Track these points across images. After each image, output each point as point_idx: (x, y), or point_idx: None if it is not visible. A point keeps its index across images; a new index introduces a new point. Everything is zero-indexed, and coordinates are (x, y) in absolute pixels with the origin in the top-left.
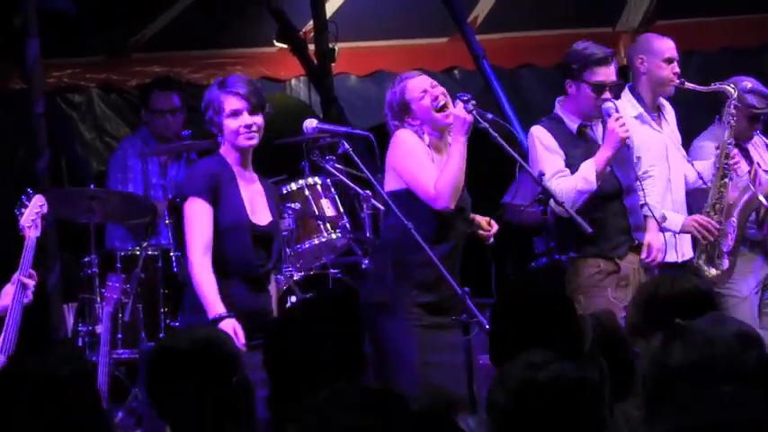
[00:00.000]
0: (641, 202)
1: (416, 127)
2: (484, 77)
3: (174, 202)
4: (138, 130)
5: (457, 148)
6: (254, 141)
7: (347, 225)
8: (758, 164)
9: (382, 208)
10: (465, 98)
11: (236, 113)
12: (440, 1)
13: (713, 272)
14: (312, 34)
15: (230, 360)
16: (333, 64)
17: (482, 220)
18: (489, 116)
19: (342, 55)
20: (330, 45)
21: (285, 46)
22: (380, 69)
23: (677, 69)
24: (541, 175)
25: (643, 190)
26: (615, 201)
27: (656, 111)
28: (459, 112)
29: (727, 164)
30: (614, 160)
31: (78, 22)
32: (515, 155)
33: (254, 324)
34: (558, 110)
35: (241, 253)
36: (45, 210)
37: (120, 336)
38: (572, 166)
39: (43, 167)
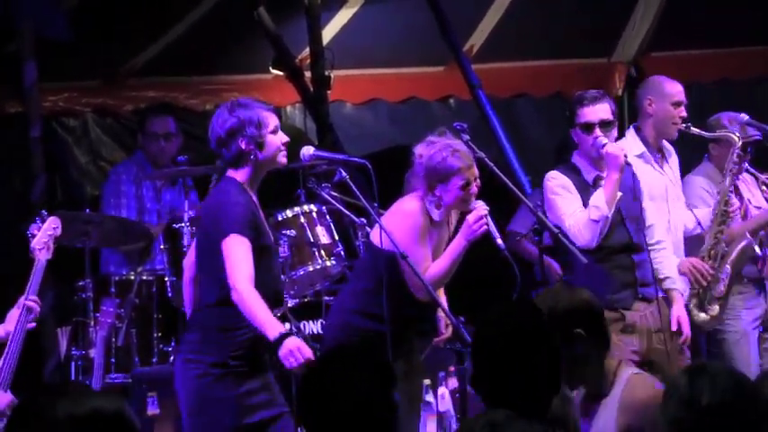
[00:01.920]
0: (662, 275)
1: (435, 199)
2: (479, 107)
3: (169, 227)
4: (133, 155)
5: (457, 249)
6: (286, 160)
7: (342, 252)
8: (748, 200)
9: None
10: (460, 127)
11: (276, 130)
12: (436, 30)
13: (702, 316)
14: (308, 61)
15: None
16: (329, 91)
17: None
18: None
19: (337, 82)
20: (326, 72)
21: (281, 73)
22: (376, 97)
23: (684, 113)
24: (537, 205)
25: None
26: (623, 254)
27: (659, 152)
28: (474, 214)
29: (725, 211)
30: (627, 216)
31: (74, 47)
32: (510, 184)
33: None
34: (574, 159)
35: (273, 278)
36: (59, 232)
37: (113, 360)
38: None
39: (39, 191)
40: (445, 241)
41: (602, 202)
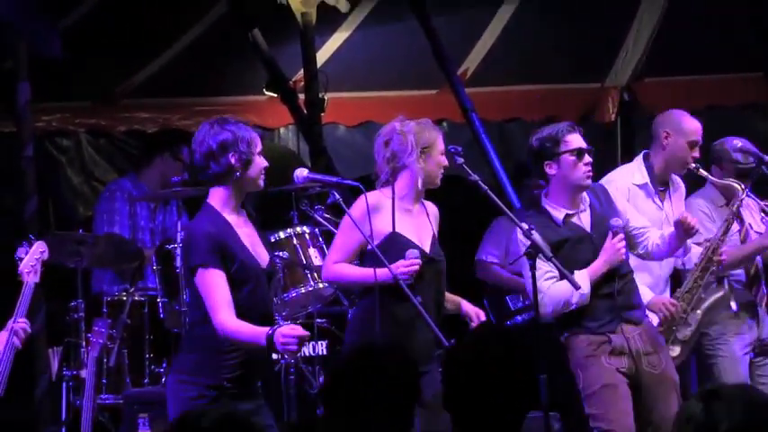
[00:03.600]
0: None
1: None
2: (472, 130)
3: (162, 249)
4: (127, 174)
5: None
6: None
7: None
8: (749, 225)
9: None
10: (454, 150)
11: (261, 152)
12: (430, 53)
13: None
14: (302, 83)
15: None
16: (322, 114)
17: (471, 311)
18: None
19: (331, 105)
20: (320, 95)
21: (275, 95)
22: (369, 120)
23: (697, 155)
24: (531, 229)
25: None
26: (604, 285)
27: (663, 185)
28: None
29: (711, 258)
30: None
31: (68, 67)
32: (504, 208)
33: (264, 364)
34: (545, 203)
35: (259, 299)
36: (46, 256)
37: (104, 381)
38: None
39: (31, 211)
40: (423, 227)
41: (587, 286)
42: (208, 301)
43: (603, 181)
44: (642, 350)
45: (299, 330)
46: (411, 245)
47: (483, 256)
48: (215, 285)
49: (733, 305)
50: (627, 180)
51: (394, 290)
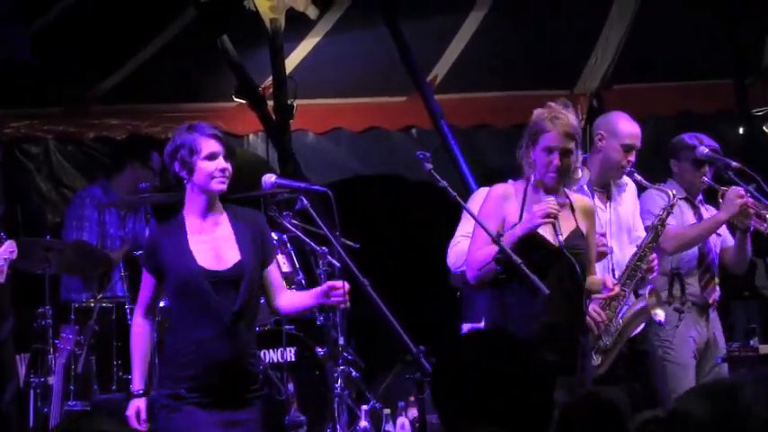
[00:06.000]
0: None
1: (532, 163)
2: (441, 136)
3: (130, 255)
4: (97, 181)
5: (511, 237)
6: (225, 187)
7: (303, 281)
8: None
9: (338, 265)
10: (423, 156)
11: (213, 156)
12: (399, 60)
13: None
14: (271, 90)
15: None
16: (291, 120)
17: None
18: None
19: (300, 112)
20: (288, 101)
21: (244, 101)
22: (338, 127)
23: (632, 159)
24: (499, 235)
25: None
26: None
27: (603, 188)
28: (536, 208)
29: (638, 266)
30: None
31: (37, 73)
32: (473, 214)
33: (227, 373)
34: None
35: (202, 302)
36: (14, 256)
37: (72, 387)
38: None
39: None
40: (563, 219)
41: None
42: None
43: None
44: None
45: (137, 423)
46: (537, 235)
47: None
48: (142, 286)
49: (660, 316)
50: None
51: (521, 281)
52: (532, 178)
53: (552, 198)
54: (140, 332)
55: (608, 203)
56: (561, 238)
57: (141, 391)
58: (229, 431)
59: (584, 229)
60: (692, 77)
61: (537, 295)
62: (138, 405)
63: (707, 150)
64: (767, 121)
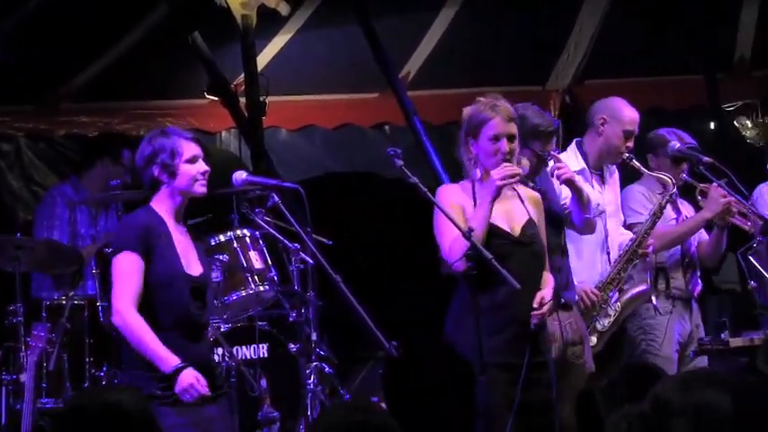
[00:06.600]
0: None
1: (473, 158)
2: (414, 133)
3: (102, 252)
4: (68, 179)
5: (480, 210)
6: (206, 190)
7: (275, 278)
8: (686, 216)
9: (311, 261)
10: (394, 153)
11: (194, 159)
12: (371, 56)
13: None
14: (243, 87)
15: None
16: (263, 117)
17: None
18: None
19: (272, 108)
20: (261, 98)
21: (216, 98)
22: (311, 124)
23: (631, 145)
24: (470, 230)
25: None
26: (556, 256)
27: (597, 170)
28: (494, 173)
29: (636, 250)
30: (557, 218)
31: (7, 70)
32: (444, 210)
33: (200, 373)
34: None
35: (180, 305)
36: None
37: (44, 385)
38: None
39: None
40: (515, 211)
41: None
42: (116, 287)
43: None
44: (570, 340)
45: (203, 388)
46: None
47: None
48: (127, 272)
49: (654, 300)
50: None
51: (487, 276)
52: (478, 174)
53: (506, 163)
54: (142, 321)
55: (603, 186)
56: (518, 228)
57: (182, 364)
58: (202, 428)
59: (535, 219)
60: (663, 73)
61: (505, 287)
62: (192, 374)
63: (678, 145)
64: (738, 117)
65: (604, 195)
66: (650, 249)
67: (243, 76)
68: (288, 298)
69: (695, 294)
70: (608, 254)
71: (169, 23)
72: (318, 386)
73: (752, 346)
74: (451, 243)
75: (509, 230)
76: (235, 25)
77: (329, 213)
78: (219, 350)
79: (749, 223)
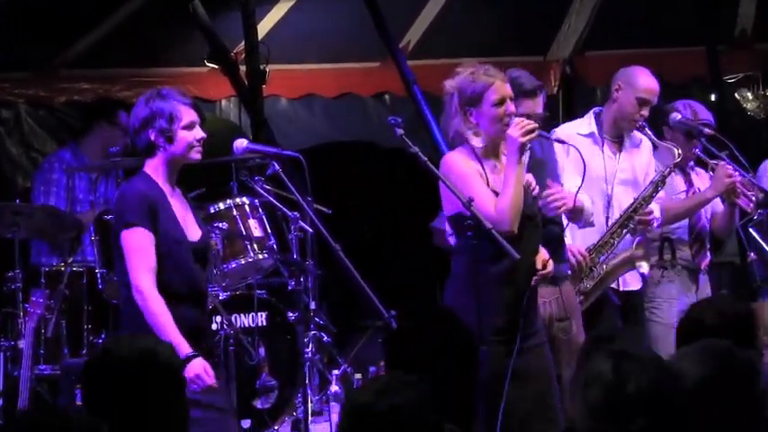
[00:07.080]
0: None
1: (473, 128)
2: (415, 103)
3: (101, 219)
4: (66, 146)
5: (511, 170)
6: (201, 156)
7: (274, 246)
8: (698, 188)
9: (310, 230)
10: (394, 122)
11: (192, 125)
12: (372, 25)
13: None
14: (243, 55)
15: (172, 375)
16: (264, 86)
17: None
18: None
19: (273, 77)
20: (261, 67)
21: (216, 66)
22: (311, 93)
23: (645, 113)
24: (471, 200)
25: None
26: (553, 225)
27: (616, 138)
28: (512, 131)
29: (631, 215)
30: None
31: (7, 37)
32: (445, 180)
33: (200, 343)
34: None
35: (186, 273)
36: None
37: (42, 351)
38: None
39: None
40: None
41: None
42: (129, 263)
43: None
44: (555, 315)
45: (210, 378)
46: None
47: (438, 224)
48: (141, 247)
49: (645, 268)
50: (572, 130)
51: (489, 247)
52: (481, 143)
53: (518, 119)
54: (162, 304)
55: (618, 154)
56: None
57: (194, 352)
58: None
59: (535, 192)
60: (665, 44)
61: (505, 258)
62: (201, 364)
63: (679, 117)
64: (739, 89)
65: (619, 163)
66: (655, 225)
67: (243, 44)
68: (287, 266)
69: (702, 267)
70: (607, 220)
71: None
72: (316, 355)
73: None
74: (496, 202)
75: None
76: None
77: (330, 182)
78: (218, 318)
79: (752, 205)
